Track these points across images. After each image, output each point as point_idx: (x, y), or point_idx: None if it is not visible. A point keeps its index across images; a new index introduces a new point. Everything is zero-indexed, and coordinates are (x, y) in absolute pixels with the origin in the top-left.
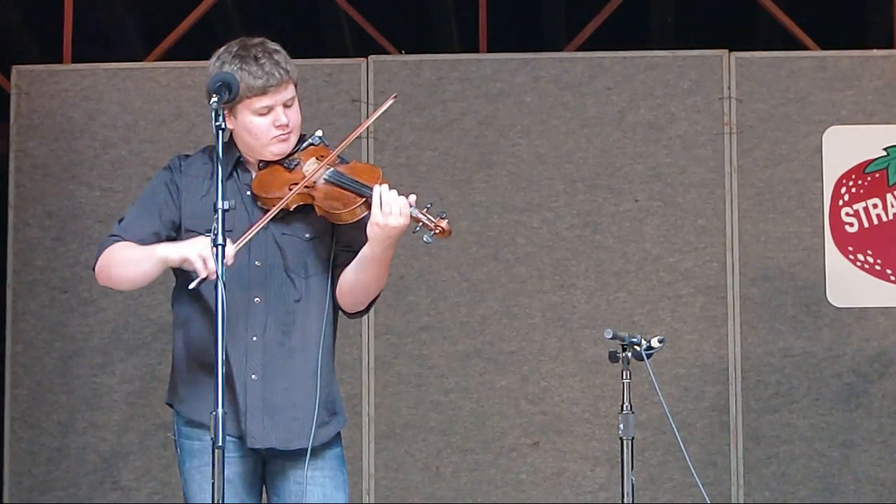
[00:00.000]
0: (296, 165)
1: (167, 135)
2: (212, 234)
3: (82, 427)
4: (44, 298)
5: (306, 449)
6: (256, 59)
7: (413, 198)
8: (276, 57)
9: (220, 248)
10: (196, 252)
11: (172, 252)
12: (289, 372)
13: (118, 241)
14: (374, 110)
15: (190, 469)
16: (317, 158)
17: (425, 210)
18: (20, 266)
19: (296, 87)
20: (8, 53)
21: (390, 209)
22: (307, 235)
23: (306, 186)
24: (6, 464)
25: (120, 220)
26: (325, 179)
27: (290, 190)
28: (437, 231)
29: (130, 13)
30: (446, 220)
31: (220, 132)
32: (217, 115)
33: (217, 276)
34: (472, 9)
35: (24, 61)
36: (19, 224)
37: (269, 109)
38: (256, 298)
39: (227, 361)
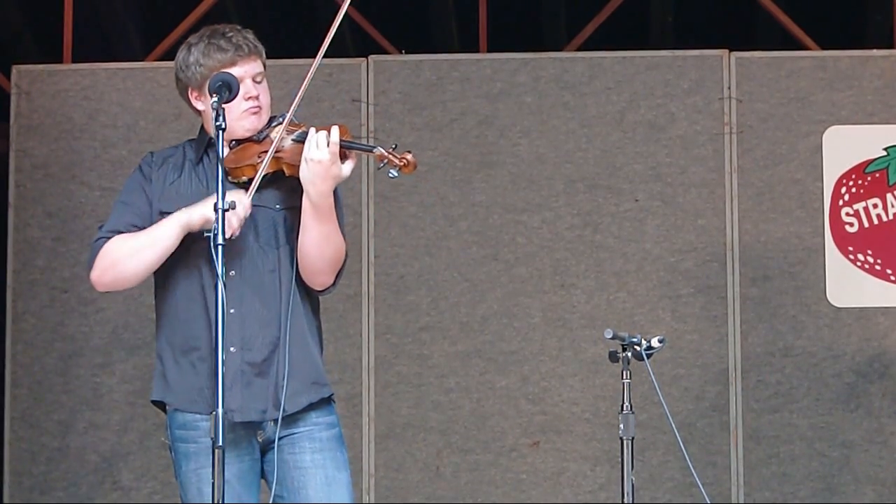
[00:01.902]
0: (265, 137)
1: (167, 135)
2: (211, 234)
3: (82, 427)
4: (44, 298)
5: (293, 423)
6: (224, 34)
7: (336, 131)
8: (244, 32)
9: (220, 247)
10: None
11: (194, 214)
12: (266, 343)
13: (108, 240)
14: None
15: (187, 472)
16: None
17: (391, 150)
18: (20, 266)
19: (265, 66)
20: (8, 53)
21: (316, 143)
22: (278, 206)
23: (276, 151)
24: (6, 464)
25: (101, 227)
26: (292, 140)
27: (260, 158)
28: (403, 164)
29: (130, 13)
30: (412, 154)
31: (221, 132)
32: (217, 115)
33: (217, 276)
34: (472, 9)
35: (24, 61)
36: (19, 224)
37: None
38: (232, 272)
39: (207, 336)
